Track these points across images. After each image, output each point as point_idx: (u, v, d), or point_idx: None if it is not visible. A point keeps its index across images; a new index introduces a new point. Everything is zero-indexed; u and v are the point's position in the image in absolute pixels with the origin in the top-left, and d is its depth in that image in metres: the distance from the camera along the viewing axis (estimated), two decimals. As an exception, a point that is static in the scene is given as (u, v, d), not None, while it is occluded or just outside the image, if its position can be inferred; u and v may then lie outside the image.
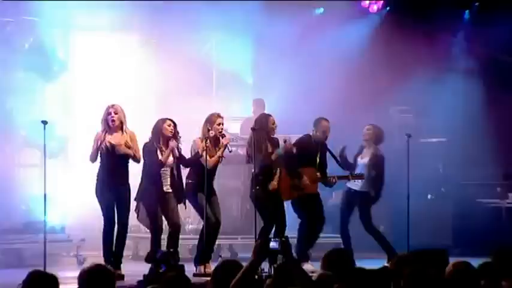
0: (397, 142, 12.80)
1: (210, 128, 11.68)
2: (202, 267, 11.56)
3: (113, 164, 11.16)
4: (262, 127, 11.94)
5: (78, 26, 14.94)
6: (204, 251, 11.69)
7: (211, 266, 11.20)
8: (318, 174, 12.26)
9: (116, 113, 11.14)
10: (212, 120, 11.77)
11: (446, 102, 15.50)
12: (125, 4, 14.42)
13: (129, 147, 11.15)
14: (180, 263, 10.51)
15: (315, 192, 12.32)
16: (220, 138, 11.78)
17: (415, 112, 15.13)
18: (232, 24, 15.55)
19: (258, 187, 11.81)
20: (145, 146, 11.54)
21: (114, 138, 11.08)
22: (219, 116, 11.86)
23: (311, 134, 12.27)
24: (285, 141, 12.02)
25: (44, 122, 10.94)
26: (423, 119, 14.99)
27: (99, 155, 11.17)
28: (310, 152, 12.15)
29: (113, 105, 11.22)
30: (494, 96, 15.40)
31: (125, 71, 15.18)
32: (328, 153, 12.44)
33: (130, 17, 14.82)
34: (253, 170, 11.91)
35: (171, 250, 9.91)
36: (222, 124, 11.86)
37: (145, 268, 10.82)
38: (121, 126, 11.17)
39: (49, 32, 14.59)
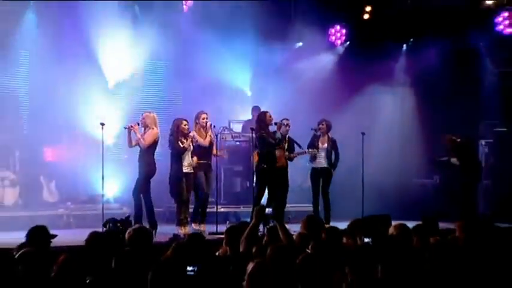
0: (354, 138, 12.74)
1: (197, 122, 11.79)
2: (197, 226, 11.58)
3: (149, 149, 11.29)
4: (262, 120, 11.92)
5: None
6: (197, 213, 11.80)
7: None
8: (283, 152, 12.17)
9: (143, 119, 11.34)
10: (198, 116, 11.88)
11: (389, 108, 15.51)
12: (163, 40, 14.53)
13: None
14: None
15: (284, 165, 12.18)
16: (206, 126, 11.81)
17: (368, 115, 15.08)
18: (236, 52, 15.48)
19: (264, 165, 11.75)
20: (170, 139, 11.51)
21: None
22: (203, 112, 11.96)
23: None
24: (275, 123, 12.06)
25: (102, 124, 10.98)
26: (373, 120, 14.93)
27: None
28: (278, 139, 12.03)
29: (142, 114, 11.47)
30: (422, 103, 15.41)
31: (160, 87, 15.20)
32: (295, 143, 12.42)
33: (165, 49, 14.82)
34: (252, 157, 11.95)
35: (121, 219, 9.64)
36: (206, 118, 11.87)
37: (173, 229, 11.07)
38: (145, 126, 11.29)
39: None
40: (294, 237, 6.63)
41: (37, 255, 5.55)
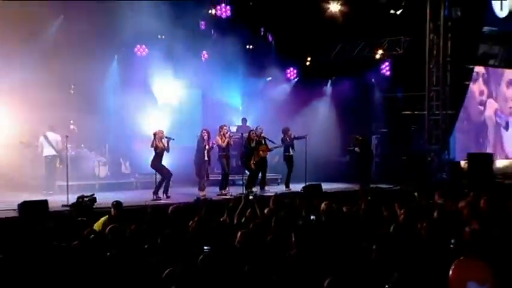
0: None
1: (220, 131, 11.29)
2: (223, 191, 11.32)
3: (162, 152, 10.69)
4: (249, 136, 11.66)
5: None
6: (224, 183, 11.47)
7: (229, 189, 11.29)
8: (265, 147, 11.90)
9: (163, 133, 10.71)
10: (221, 127, 11.36)
11: (321, 117, 15.29)
12: (190, 77, 14.06)
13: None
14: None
15: (264, 157, 11.91)
16: (226, 134, 11.35)
17: (310, 122, 14.82)
18: (233, 83, 15.20)
19: (244, 158, 11.61)
20: (198, 141, 11.10)
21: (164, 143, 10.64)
22: (224, 125, 11.45)
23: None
24: (257, 137, 11.73)
25: (154, 134, 10.53)
26: (313, 125, 14.68)
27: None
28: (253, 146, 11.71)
29: (162, 131, 10.78)
30: (340, 115, 15.23)
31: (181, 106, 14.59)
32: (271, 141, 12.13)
33: (193, 83, 14.42)
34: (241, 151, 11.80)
35: (87, 195, 8.44)
36: (226, 129, 11.44)
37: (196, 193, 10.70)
38: (162, 137, 10.62)
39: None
40: (265, 211, 6.48)
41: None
